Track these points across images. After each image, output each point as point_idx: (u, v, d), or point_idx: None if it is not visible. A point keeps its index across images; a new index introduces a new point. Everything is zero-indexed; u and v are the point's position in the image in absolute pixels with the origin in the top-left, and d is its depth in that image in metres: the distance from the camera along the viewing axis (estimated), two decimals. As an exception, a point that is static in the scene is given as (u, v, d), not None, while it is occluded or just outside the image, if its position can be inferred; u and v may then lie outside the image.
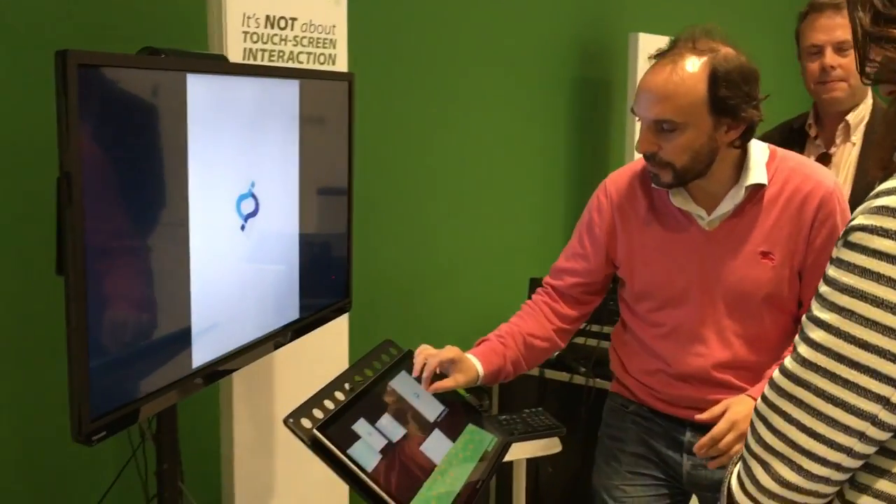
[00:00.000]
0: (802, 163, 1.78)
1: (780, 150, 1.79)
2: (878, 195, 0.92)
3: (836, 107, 2.39)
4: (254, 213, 1.77)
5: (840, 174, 2.37)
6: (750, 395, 1.70)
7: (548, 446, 2.44)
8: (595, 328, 2.99)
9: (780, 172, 1.74)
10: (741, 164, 1.74)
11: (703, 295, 1.79)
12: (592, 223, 1.93)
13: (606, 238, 1.90)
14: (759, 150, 1.76)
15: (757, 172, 1.73)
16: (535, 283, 2.82)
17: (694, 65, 1.66)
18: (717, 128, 1.67)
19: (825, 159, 2.40)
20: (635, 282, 1.88)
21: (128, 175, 1.41)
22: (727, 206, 1.75)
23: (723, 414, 1.67)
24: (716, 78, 1.64)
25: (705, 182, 1.75)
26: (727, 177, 1.74)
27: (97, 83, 1.31)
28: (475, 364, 1.84)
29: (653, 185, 1.80)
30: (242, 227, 1.74)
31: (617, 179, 1.92)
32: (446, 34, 3.05)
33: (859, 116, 2.38)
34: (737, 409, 1.66)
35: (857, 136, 2.38)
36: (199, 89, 1.55)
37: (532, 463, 3.00)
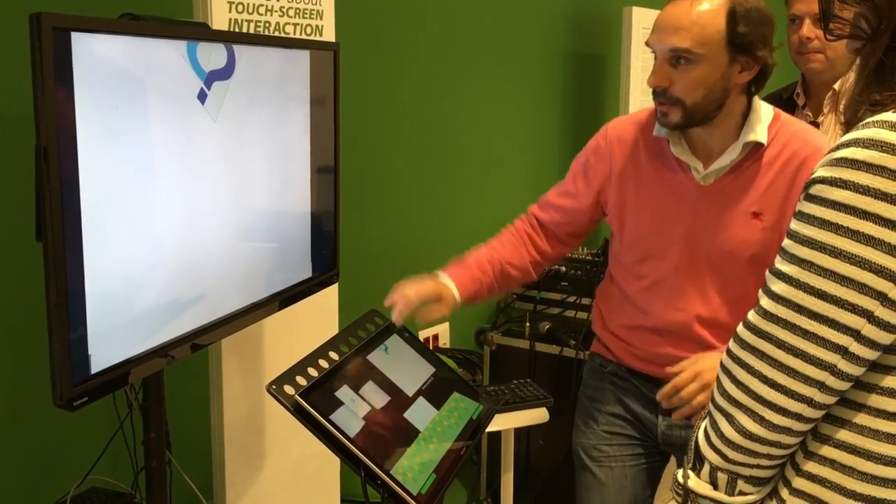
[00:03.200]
0: (804, 128, 1.80)
1: (784, 114, 1.80)
2: (837, 147, 0.93)
3: (817, 77, 2.38)
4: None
5: (829, 143, 2.37)
6: (720, 351, 1.72)
7: (536, 416, 2.46)
8: (586, 301, 3.00)
9: (781, 135, 1.75)
10: (744, 121, 1.75)
11: (689, 249, 1.79)
12: (588, 165, 1.94)
13: (600, 182, 1.91)
14: (764, 111, 1.77)
15: (758, 131, 1.73)
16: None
17: (713, 0, 1.67)
18: (732, 65, 1.68)
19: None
20: (625, 230, 1.88)
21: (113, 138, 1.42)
22: (724, 160, 1.75)
23: None
24: (735, 14, 1.65)
25: (707, 133, 1.75)
26: (730, 130, 1.75)
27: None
28: (453, 292, 1.87)
29: (657, 127, 1.79)
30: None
31: (618, 125, 1.92)
32: (437, 6, 3.04)
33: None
34: (703, 361, 1.68)
35: None
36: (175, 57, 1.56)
37: (522, 435, 3.02)
